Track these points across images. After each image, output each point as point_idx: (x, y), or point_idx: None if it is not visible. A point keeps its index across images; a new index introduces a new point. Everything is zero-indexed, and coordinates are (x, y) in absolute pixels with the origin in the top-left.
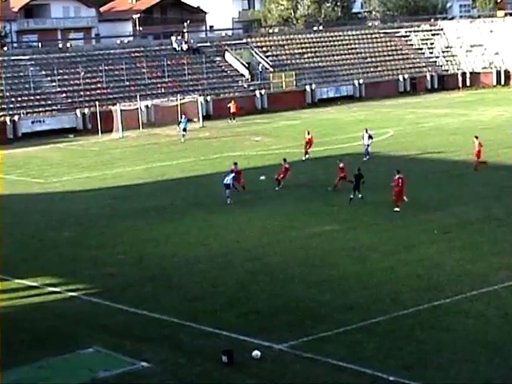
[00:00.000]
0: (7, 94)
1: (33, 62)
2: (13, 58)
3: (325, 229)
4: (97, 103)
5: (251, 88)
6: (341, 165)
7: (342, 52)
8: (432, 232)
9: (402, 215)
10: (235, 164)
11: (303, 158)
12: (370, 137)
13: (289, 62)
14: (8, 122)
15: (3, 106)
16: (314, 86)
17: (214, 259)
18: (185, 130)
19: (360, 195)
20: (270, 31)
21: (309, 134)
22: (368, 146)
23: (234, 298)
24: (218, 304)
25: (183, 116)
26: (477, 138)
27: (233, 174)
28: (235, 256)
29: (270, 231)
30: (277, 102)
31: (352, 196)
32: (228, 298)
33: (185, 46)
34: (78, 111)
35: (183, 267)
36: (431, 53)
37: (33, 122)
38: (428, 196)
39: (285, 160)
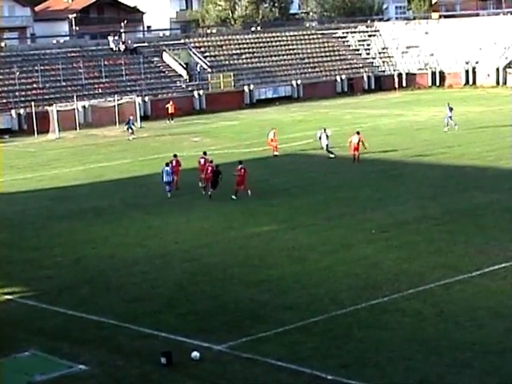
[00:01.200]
0: None
1: None
2: None
3: (263, 229)
4: (33, 104)
5: (189, 88)
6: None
7: (279, 53)
8: (370, 231)
9: (340, 215)
10: (175, 156)
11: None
12: (327, 136)
13: (227, 62)
14: None
15: None
16: (252, 87)
17: (153, 260)
18: (130, 128)
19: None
20: (208, 32)
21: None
22: (327, 145)
23: (172, 299)
24: (157, 305)
25: (131, 117)
26: (358, 133)
27: (167, 168)
28: (174, 257)
29: (209, 232)
30: (215, 103)
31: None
32: (167, 299)
33: (122, 47)
34: (13, 112)
35: (121, 269)
36: (368, 54)
37: None
38: (365, 195)
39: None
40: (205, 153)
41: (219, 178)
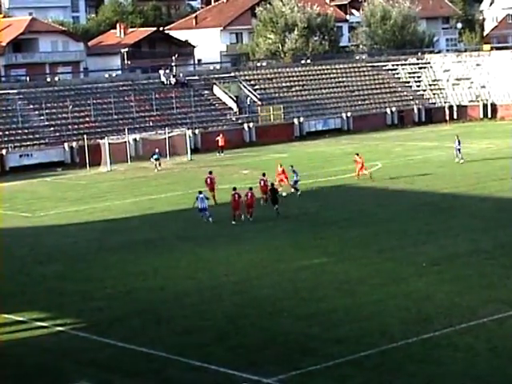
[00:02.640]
0: None
1: (21, 96)
2: (1, 92)
3: (313, 262)
4: (85, 137)
5: (239, 121)
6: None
7: (329, 85)
8: (421, 265)
9: (391, 248)
10: (210, 173)
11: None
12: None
13: (277, 95)
14: None
15: None
16: (302, 119)
17: (203, 292)
18: (157, 159)
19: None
20: (258, 65)
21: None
22: (296, 181)
23: (222, 332)
24: (207, 338)
25: (156, 150)
26: (358, 154)
27: (201, 195)
28: (224, 289)
29: (259, 264)
30: (265, 135)
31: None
32: (217, 332)
33: (173, 80)
34: (65, 145)
35: (171, 301)
36: (418, 86)
37: (20, 156)
38: (416, 228)
39: (264, 174)
40: (264, 174)
41: (277, 195)
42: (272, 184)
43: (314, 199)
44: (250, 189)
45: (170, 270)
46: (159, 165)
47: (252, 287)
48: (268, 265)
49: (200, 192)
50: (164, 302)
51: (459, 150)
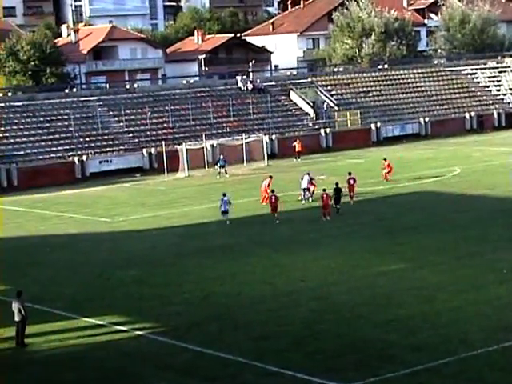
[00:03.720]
0: (76, 134)
1: (101, 103)
2: (81, 98)
3: (391, 268)
4: (163, 143)
5: (316, 127)
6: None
7: (407, 90)
8: (501, 271)
9: (470, 254)
10: (270, 177)
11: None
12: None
13: (354, 100)
14: (76, 162)
15: (72, 147)
16: (379, 124)
17: (280, 298)
18: (223, 166)
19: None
20: (335, 70)
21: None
22: (306, 189)
23: (299, 338)
24: (284, 343)
25: (221, 156)
26: (385, 160)
27: (225, 198)
28: (301, 295)
29: (336, 270)
30: (342, 141)
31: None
32: (294, 338)
33: (250, 86)
34: (144, 151)
35: (248, 306)
36: (498, 90)
37: (100, 162)
38: (496, 234)
39: (350, 173)
40: (350, 173)
41: (340, 194)
42: (337, 184)
43: (390, 205)
44: (324, 190)
45: (246, 275)
46: (225, 172)
47: (329, 293)
48: (345, 271)
49: (224, 195)
50: (241, 307)
51: None
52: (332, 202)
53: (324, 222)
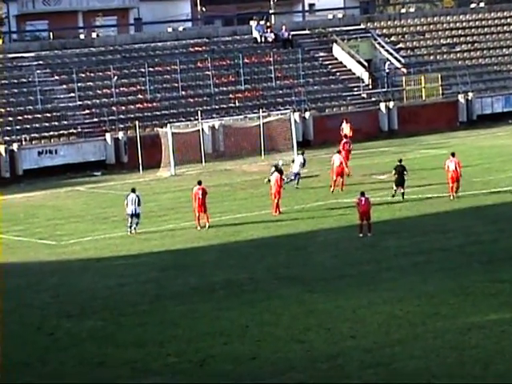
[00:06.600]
0: (1, 110)
1: (41, 62)
2: (11, 55)
3: (489, 318)
4: (136, 123)
5: (373, 99)
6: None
7: None
8: None
9: None
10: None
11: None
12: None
13: (432, 58)
14: (3, 154)
15: None
16: (470, 96)
17: (317, 365)
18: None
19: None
20: (403, 11)
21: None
22: (297, 174)
23: None
24: None
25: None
26: (453, 155)
27: (133, 195)
28: (349, 360)
29: (404, 321)
30: (413, 121)
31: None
32: None
33: (271, 36)
34: (107, 136)
35: (269, 377)
36: None
37: (40, 154)
38: None
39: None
40: (453, 154)
41: (404, 174)
42: (400, 160)
43: (488, 221)
44: (362, 194)
45: (265, 327)
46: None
47: (393, 357)
48: (418, 322)
49: (133, 190)
50: (257, 379)
51: None
52: (394, 187)
53: (383, 248)
